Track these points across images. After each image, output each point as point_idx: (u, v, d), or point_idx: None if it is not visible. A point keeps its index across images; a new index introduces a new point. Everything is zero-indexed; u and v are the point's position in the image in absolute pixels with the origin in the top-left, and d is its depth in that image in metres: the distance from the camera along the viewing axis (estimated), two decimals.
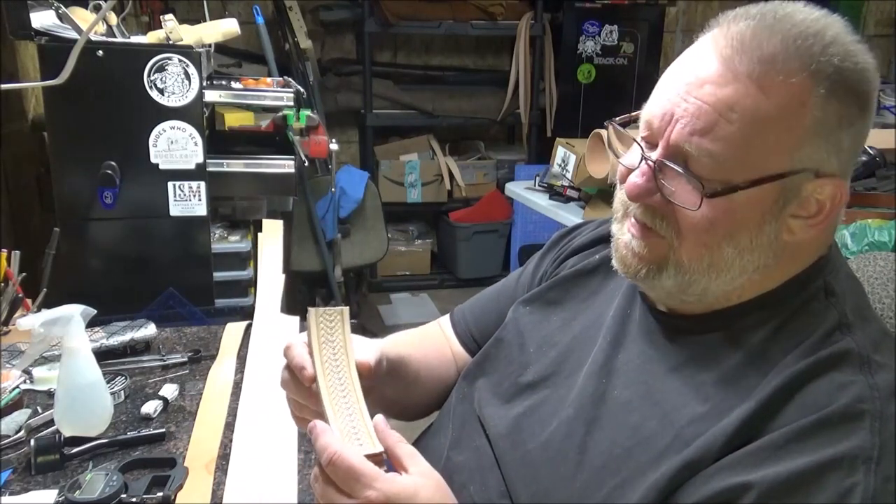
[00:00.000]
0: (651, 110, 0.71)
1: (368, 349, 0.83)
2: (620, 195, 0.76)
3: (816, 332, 0.68)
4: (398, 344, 0.96)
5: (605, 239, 0.92)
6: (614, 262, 0.77)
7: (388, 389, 0.91)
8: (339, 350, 0.76)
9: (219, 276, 1.74)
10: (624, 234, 0.75)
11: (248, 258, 1.84)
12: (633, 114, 0.75)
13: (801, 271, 0.72)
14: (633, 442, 0.71)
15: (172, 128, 1.57)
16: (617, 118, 0.77)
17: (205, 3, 2.20)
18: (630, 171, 0.72)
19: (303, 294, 3.28)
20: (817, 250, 0.73)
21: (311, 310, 0.76)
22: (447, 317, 1.08)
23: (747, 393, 0.66)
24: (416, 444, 0.98)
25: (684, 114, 0.67)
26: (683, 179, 0.67)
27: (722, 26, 0.68)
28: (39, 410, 1.08)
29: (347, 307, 0.79)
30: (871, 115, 0.69)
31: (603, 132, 2.15)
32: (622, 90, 3.90)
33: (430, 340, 1.05)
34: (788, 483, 0.60)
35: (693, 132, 0.66)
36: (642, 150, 0.71)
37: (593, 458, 0.72)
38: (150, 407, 1.10)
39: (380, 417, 0.71)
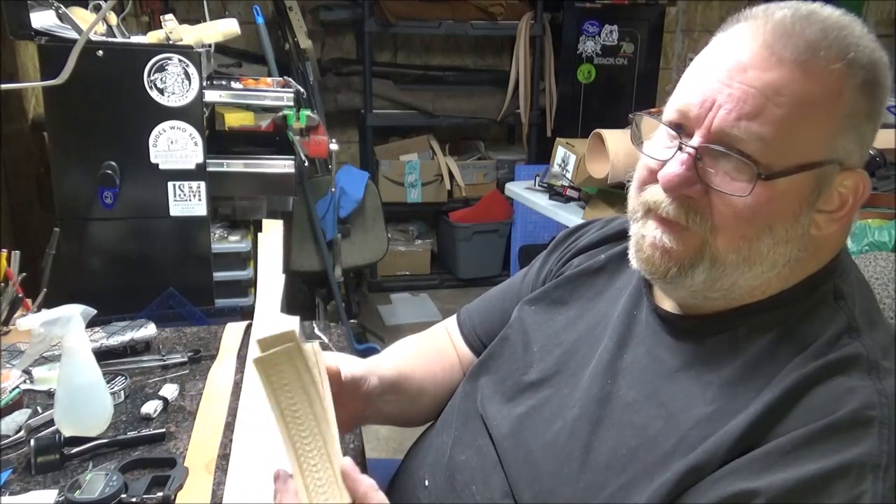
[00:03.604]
0: (685, 99, 0.69)
1: (352, 365, 0.84)
2: (643, 196, 0.73)
3: (824, 335, 0.67)
4: (399, 360, 0.97)
5: (611, 239, 0.92)
6: (637, 264, 0.75)
7: (388, 406, 0.92)
8: (297, 392, 0.70)
9: (219, 276, 1.75)
10: (649, 231, 0.72)
11: (248, 258, 1.85)
12: (653, 110, 0.75)
13: (812, 273, 0.71)
14: (637, 442, 0.70)
15: (172, 128, 1.57)
16: (642, 112, 0.76)
17: (205, 3, 2.20)
18: (662, 164, 0.70)
19: (303, 294, 3.27)
20: (837, 247, 0.72)
21: (253, 361, 0.69)
22: (454, 317, 1.08)
23: (754, 395, 0.66)
24: (421, 441, 0.98)
25: (728, 99, 0.65)
26: (729, 166, 0.66)
27: (758, 18, 0.68)
28: (39, 410, 1.07)
29: (293, 330, 0.69)
30: (883, 111, 0.69)
31: (605, 132, 2.14)
32: (622, 90, 3.89)
33: (434, 349, 1.05)
34: (796, 490, 0.59)
35: (740, 116, 0.65)
36: (680, 139, 0.69)
37: (598, 458, 0.72)
38: (150, 407, 1.10)
39: (348, 464, 0.67)
